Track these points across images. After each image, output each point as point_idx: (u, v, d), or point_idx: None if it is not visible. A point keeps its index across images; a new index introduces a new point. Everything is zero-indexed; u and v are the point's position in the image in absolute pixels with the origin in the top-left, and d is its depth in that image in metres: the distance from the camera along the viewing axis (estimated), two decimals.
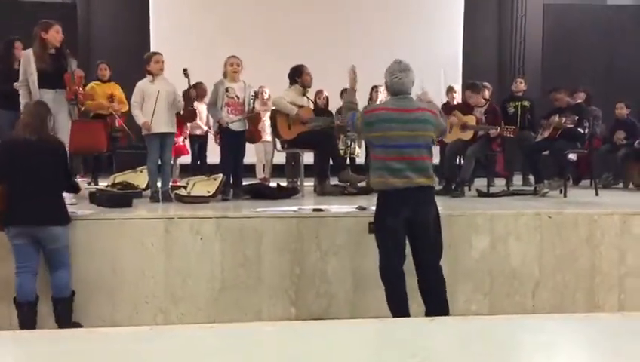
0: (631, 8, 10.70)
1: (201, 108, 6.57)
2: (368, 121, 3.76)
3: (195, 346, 2.09)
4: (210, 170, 6.28)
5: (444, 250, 3.81)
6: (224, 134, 5.62)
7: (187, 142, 7.37)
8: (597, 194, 6.28)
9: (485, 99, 6.50)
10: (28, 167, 3.92)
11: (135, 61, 5.99)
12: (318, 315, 4.37)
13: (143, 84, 5.30)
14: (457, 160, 6.49)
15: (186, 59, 6.65)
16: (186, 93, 5.34)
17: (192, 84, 5.48)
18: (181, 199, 5.26)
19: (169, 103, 5.28)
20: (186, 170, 7.34)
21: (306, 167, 6.26)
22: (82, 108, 5.66)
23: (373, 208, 3.90)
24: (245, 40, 8.88)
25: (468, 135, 6.13)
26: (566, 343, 2.21)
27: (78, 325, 4.09)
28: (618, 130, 7.62)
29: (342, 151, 7.16)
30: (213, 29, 9.87)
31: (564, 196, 5.97)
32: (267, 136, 7.05)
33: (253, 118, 5.69)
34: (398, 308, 3.65)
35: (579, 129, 6.06)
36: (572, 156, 6.55)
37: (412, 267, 3.74)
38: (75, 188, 4.49)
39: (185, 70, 5.31)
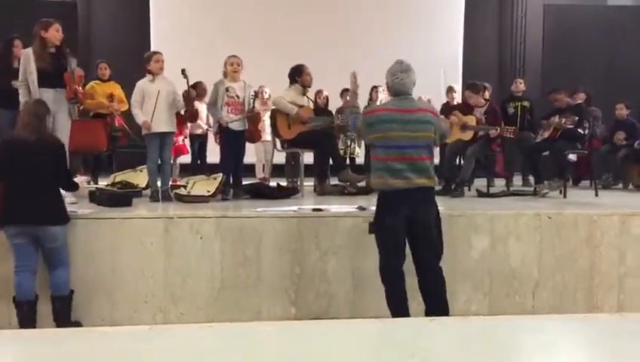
0: (631, 8, 10.70)
1: (201, 107, 6.57)
2: (369, 122, 3.76)
3: (194, 346, 2.09)
4: (210, 170, 6.29)
5: (443, 250, 3.81)
6: (224, 134, 5.62)
7: (187, 141, 7.36)
8: (597, 194, 6.28)
9: (485, 99, 6.50)
10: (27, 166, 3.92)
11: (135, 60, 5.99)
12: (317, 315, 4.37)
13: (143, 84, 5.30)
14: (457, 160, 6.49)
15: (186, 59, 6.65)
16: (185, 94, 5.34)
17: (191, 83, 5.48)
18: (181, 198, 5.27)
19: (169, 103, 5.28)
20: (186, 170, 7.34)
21: (306, 166, 6.26)
22: (82, 107, 5.66)
23: (373, 208, 3.90)
24: (245, 40, 8.88)
25: (468, 135, 6.13)
26: (565, 343, 2.22)
27: (78, 324, 4.10)
28: (618, 131, 7.62)
29: (342, 151, 7.16)
30: (213, 29, 9.87)
31: (564, 196, 5.98)
32: (267, 135, 7.05)
33: (253, 118, 5.69)
34: (398, 308, 3.65)
35: (579, 129, 6.06)
36: (572, 157, 6.56)
37: (412, 267, 3.74)
38: (73, 187, 4.49)
39: (183, 70, 5.30)
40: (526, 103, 7.17)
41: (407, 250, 3.74)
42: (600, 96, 8.11)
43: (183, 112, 5.65)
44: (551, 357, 2.05)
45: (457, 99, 7.77)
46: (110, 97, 6.50)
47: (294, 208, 4.74)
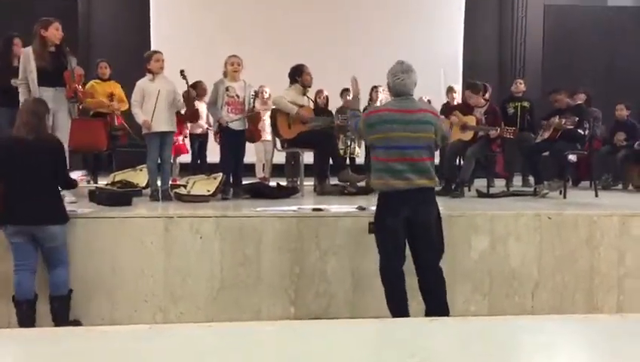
0: (631, 9, 10.71)
1: (201, 107, 6.57)
2: (370, 122, 3.76)
3: (194, 345, 2.09)
4: (210, 169, 6.28)
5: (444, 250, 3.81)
6: (224, 133, 5.62)
7: (187, 140, 7.36)
8: (596, 195, 6.28)
9: (485, 99, 6.49)
10: (26, 165, 3.91)
11: (135, 59, 5.98)
12: (317, 315, 4.37)
13: (143, 83, 5.30)
14: (457, 160, 6.49)
15: (186, 59, 6.66)
16: (185, 95, 5.33)
17: (190, 83, 5.48)
18: (181, 198, 5.26)
19: (169, 102, 5.28)
20: (186, 169, 7.34)
21: (306, 166, 6.26)
22: (82, 106, 5.66)
23: (373, 208, 3.90)
24: (245, 39, 8.88)
25: (468, 135, 6.13)
26: (565, 344, 2.21)
27: (77, 323, 4.10)
28: (618, 132, 7.62)
29: (342, 151, 7.16)
30: (213, 28, 9.87)
31: (564, 197, 5.98)
32: (267, 135, 7.05)
33: (253, 117, 5.69)
34: (398, 308, 3.65)
35: (579, 130, 6.06)
36: (572, 157, 6.55)
37: (412, 267, 3.74)
38: (72, 185, 4.48)
39: (182, 71, 5.30)
40: (526, 104, 7.18)
41: (408, 251, 3.74)
42: (600, 97, 8.12)
43: (183, 112, 5.65)
44: (551, 357, 2.05)
45: (457, 99, 7.77)
46: (110, 96, 6.50)
47: (294, 208, 4.74)
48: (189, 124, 7.01)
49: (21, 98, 4.80)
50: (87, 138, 5.78)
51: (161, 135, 5.28)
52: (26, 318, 3.93)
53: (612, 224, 4.64)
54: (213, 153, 6.85)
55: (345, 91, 7.50)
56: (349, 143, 7.59)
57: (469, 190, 6.46)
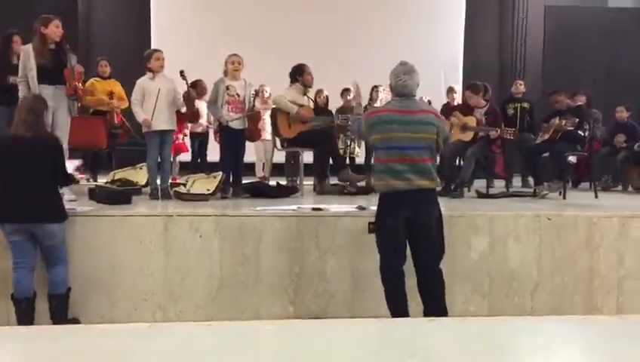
0: (632, 10, 10.71)
1: (201, 105, 6.57)
2: (371, 123, 3.76)
3: (193, 344, 2.09)
4: (210, 168, 6.28)
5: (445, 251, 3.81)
6: (224, 132, 5.61)
7: (187, 139, 7.36)
8: (596, 196, 6.28)
9: (485, 100, 6.49)
10: (24, 164, 3.90)
11: (135, 58, 5.98)
12: (316, 314, 4.36)
13: (143, 82, 5.29)
14: (457, 161, 6.49)
15: (186, 58, 6.68)
16: (186, 95, 5.33)
17: (190, 83, 5.47)
18: (180, 197, 5.26)
19: (169, 101, 5.28)
20: (186, 168, 7.34)
21: (306, 166, 6.26)
22: (82, 104, 5.65)
23: (373, 208, 3.90)
24: (245, 39, 8.87)
25: (468, 136, 6.13)
26: (564, 345, 2.21)
27: (76, 321, 4.09)
28: (618, 134, 7.62)
29: (341, 151, 7.16)
30: (213, 28, 9.86)
31: (564, 198, 5.98)
32: (267, 134, 7.04)
33: (254, 117, 5.69)
34: (398, 308, 3.65)
35: (579, 131, 6.06)
36: (572, 158, 6.55)
37: (412, 267, 3.74)
38: (70, 181, 4.47)
39: (182, 72, 5.30)
40: (526, 105, 7.18)
41: (408, 251, 3.74)
42: (600, 98, 8.12)
43: (183, 111, 5.65)
44: (550, 358, 2.05)
45: (458, 99, 7.76)
46: (110, 95, 6.50)
47: (294, 207, 4.74)
48: (189, 123, 7.01)
49: (21, 96, 4.78)
50: (87, 136, 5.78)
51: (161, 133, 5.28)
52: (25, 316, 3.92)
53: (612, 225, 4.64)
54: (213, 152, 6.85)
55: (345, 91, 7.50)
56: (348, 143, 7.58)
57: (469, 190, 6.46)
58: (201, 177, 5.59)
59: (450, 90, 7.98)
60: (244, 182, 5.85)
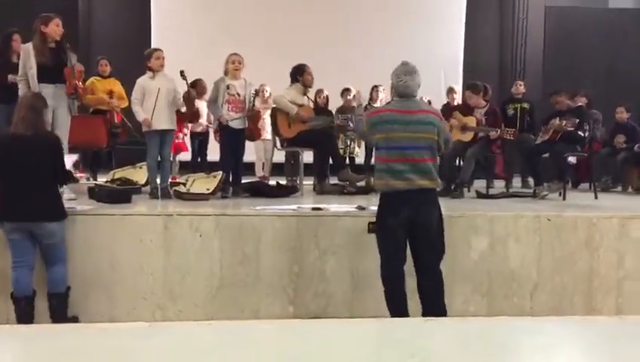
0: (632, 11, 10.71)
1: (201, 105, 6.57)
2: (372, 123, 3.76)
3: (193, 343, 2.09)
4: (210, 168, 6.28)
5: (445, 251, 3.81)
6: (224, 132, 5.62)
7: (187, 139, 7.36)
8: (596, 197, 6.28)
9: (485, 100, 6.49)
10: (24, 162, 3.89)
11: (135, 57, 5.98)
12: (316, 314, 4.36)
13: (143, 81, 5.29)
14: (457, 161, 6.49)
15: (187, 59, 6.67)
16: (186, 95, 5.33)
17: (190, 83, 5.48)
18: (180, 196, 5.26)
19: (169, 100, 5.28)
20: (186, 167, 7.34)
21: (306, 165, 6.26)
22: (81, 103, 5.64)
23: (373, 208, 3.90)
24: (245, 39, 8.86)
25: (468, 136, 6.13)
26: (564, 345, 2.21)
27: (75, 319, 4.09)
28: (618, 134, 7.62)
29: (341, 151, 7.16)
30: (213, 29, 9.85)
31: (564, 199, 5.98)
32: (267, 134, 7.04)
33: (253, 116, 5.69)
34: (398, 308, 3.65)
35: (579, 132, 6.06)
36: (572, 159, 6.55)
37: (411, 267, 3.74)
38: (70, 179, 4.46)
39: (182, 72, 5.30)
40: (526, 105, 7.19)
41: (408, 252, 3.74)
42: (601, 99, 8.12)
43: (183, 110, 5.65)
44: (549, 358, 2.05)
45: (458, 100, 7.77)
46: (110, 94, 6.50)
47: (294, 207, 4.74)
48: (189, 123, 7.01)
49: (21, 95, 4.78)
50: (87, 135, 5.78)
51: (161, 133, 5.28)
52: (25, 315, 3.92)
53: (611, 226, 4.64)
54: (213, 151, 6.85)
55: (345, 91, 7.50)
56: (348, 143, 7.58)
57: (469, 191, 6.46)
58: (201, 177, 5.59)
59: (450, 91, 7.98)
60: (243, 181, 5.85)
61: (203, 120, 7.17)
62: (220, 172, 5.49)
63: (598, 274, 4.62)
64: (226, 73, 5.58)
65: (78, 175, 6.53)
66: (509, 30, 11.02)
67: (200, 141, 7.40)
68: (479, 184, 6.74)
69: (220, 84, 5.54)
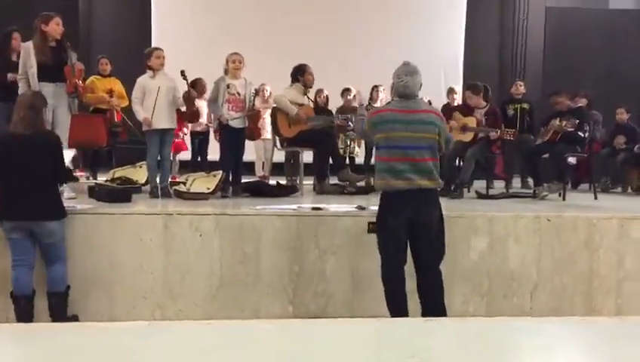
0: (633, 12, 10.70)
1: (201, 104, 6.57)
2: (373, 122, 3.77)
3: (192, 342, 2.08)
4: (210, 167, 6.28)
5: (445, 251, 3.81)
6: (224, 131, 5.61)
7: (187, 138, 7.36)
8: (596, 198, 6.28)
9: (486, 100, 6.49)
10: (23, 161, 3.89)
11: (136, 56, 5.98)
12: (315, 314, 4.36)
13: (143, 80, 5.29)
14: (457, 161, 6.49)
15: (187, 58, 6.66)
16: (186, 95, 5.33)
17: (190, 82, 5.48)
18: (180, 195, 5.26)
19: (169, 99, 5.27)
20: (186, 167, 7.34)
21: (306, 165, 6.26)
22: (81, 102, 5.65)
23: (372, 208, 3.90)
24: (245, 39, 8.85)
25: (468, 136, 6.13)
26: (563, 346, 2.21)
27: (75, 318, 4.09)
28: (618, 135, 7.62)
29: (341, 151, 7.16)
30: (213, 29, 9.85)
31: (563, 199, 5.98)
32: (267, 133, 7.04)
33: (254, 116, 5.69)
34: (398, 308, 3.65)
35: (579, 133, 6.06)
36: (572, 160, 6.55)
37: (411, 267, 3.74)
38: (70, 178, 4.45)
39: (182, 72, 5.30)
40: (525, 105, 7.19)
41: (409, 251, 3.74)
42: (601, 99, 8.12)
43: (183, 110, 5.65)
44: (549, 359, 2.04)
45: (458, 100, 7.77)
46: (110, 93, 6.50)
47: (294, 207, 4.73)
48: (188, 123, 7.00)
49: (20, 93, 4.78)
50: (87, 134, 5.77)
51: (161, 132, 5.28)
52: (24, 314, 3.92)
53: (611, 227, 4.65)
54: (213, 151, 6.85)
55: (345, 91, 7.50)
56: (348, 143, 7.59)
57: (469, 191, 6.46)
58: (201, 176, 5.59)
59: (451, 91, 7.98)
60: (243, 181, 5.85)
61: (203, 119, 7.17)
62: (220, 171, 5.48)
63: (598, 275, 4.62)
64: (226, 72, 5.58)
65: (78, 174, 6.54)
66: (509, 31, 11.01)
67: (200, 140, 7.40)
68: (479, 184, 6.74)
69: (221, 83, 5.54)
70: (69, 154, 4.85)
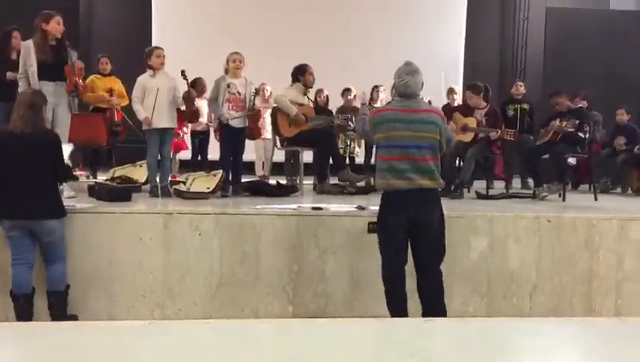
0: (634, 13, 10.69)
1: (202, 104, 6.57)
2: (375, 122, 3.77)
3: (191, 341, 2.08)
4: (210, 167, 6.28)
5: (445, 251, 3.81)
6: (224, 131, 5.61)
7: (187, 137, 7.36)
8: (596, 198, 6.28)
9: (486, 101, 6.49)
10: (23, 160, 3.88)
11: (136, 55, 5.97)
12: (315, 314, 4.36)
13: (143, 79, 5.29)
14: (457, 162, 6.49)
15: (187, 58, 6.66)
16: (186, 95, 5.33)
17: (190, 81, 5.47)
18: (180, 194, 5.26)
19: (169, 98, 5.27)
20: (186, 166, 7.34)
21: (306, 165, 6.26)
22: (81, 100, 5.65)
23: (372, 208, 3.90)
24: (245, 39, 8.85)
25: (468, 137, 6.13)
26: (563, 347, 2.21)
27: (74, 317, 4.09)
28: (618, 136, 7.63)
29: (341, 151, 7.16)
30: (213, 29, 9.85)
31: (563, 200, 5.98)
32: (267, 133, 7.04)
33: (254, 115, 5.68)
34: (398, 309, 3.64)
35: (579, 133, 6.06)
36: (572, 160, 6.55)
37: (411, 268, 3.74)
38: (69, 177, 4.44)
39: (183, 72, 5.30)
40: (525, 106, 7.19)
41: (409, 251, 3.74)
42: (601, 100, 8.12)
43: (183, 109, 5.65)
44: (549, 359, 2.04)
45: (458, 100, 7.77)
46: (110, 92, 6.50)
47: (294, 206, 4.73)
48: (188, 123, 7.00)
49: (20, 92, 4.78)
50: (87, 133, 5.77)
51: (161, 131, 5.28)
52: (24, 312, 3.92)
53: (611, 227, 4.65)
54: (213, 150, 6.85)
55: (346, 91, 7.50)
56: (348, 143, 7.59)
57: (469, 191, 6.46)
58: (201, 175, 5.59)
59: (451, 91, 7.98)
60: (243, 180, 5.85)
61: (203, 119, 7.17)
62: (220, 171, 5.48)
63: (598, 276, 4.62)
64: (226, 72, 5.58)
65: (77, 173, 6.55)
66: (509, 31, 11.02)
67: (200, 140, 7.40)
68: (479, 185, 6.74)
69: (221, 82, 5.54)
70: (67, 149, 4.84)
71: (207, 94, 6.16)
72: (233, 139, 5.57)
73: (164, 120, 5.25)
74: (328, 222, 4.45)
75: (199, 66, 6.82)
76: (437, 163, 3.73)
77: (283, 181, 6.71)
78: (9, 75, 5.20)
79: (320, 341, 2.13)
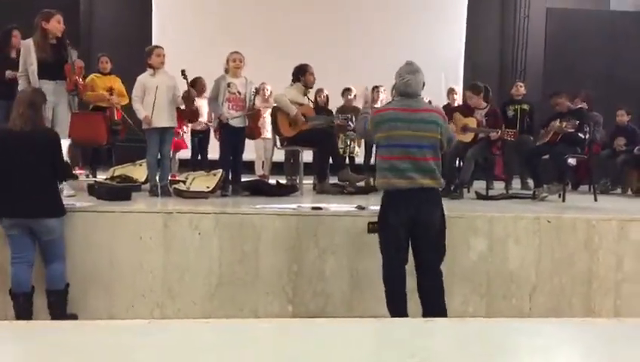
0: (634, 14, 10.69)
1: (202, 103, 6.57)
2: (376, 121, 3.76)
3: (191, 341, 2.08)
4: (210, 166, 6.28)
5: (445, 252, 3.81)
6: (224, 130, 5.61)
7: (187, 136, 7.35)
8: (595, 199, 6.28)
9: (486, 101, 6.49)
10: (22, 159, 3.88)
11: (136, 54, 5.97)
12: (314, 314, 4.36)
13: (143, 78, 5.29)
14: (457, 162, 6.48)
15: (187, 58, 6.65)
16: (186, 94, 5.33)
17: (190, 81, 5.48)
18: (180, 194, 5.25)
19: (169, 98, 5.27)
20: (186, 165, 7.33)
21: (305, 165, 6.26)
22: (81, 99, 5.64)
23: (372, 208, 3.90)
24: (245, 39, 8.84)
25: (468, 137, 6.13)
26: (562, 347, 2.21)
27: (73, 317, 4.09)
28: (618, 137, 7.63)
29: (341, 151, 7.16)
30: (213, 29, 9.84)
31: (563, 201, 5.98)
32: (267, 133, 7.04)
33: (254, 115, 5.68)
34: (398, 308, 3.64)
35: (579, 134, 6.06)
36: (571, 161, 6.55)
37: (411, 267, 3.74)
38: (69, 175, 4.44)
39: (183, 71, 5.31)
40: (526, 106, 7.19)
41: (410, 251, 3.74)
42: (602, 101, 8.12)
43: (183, 108, 5.64)
44: (548, 360, 2.04)
45: (458, 100, 7.76)
46: (110, 91, 6.50)
47: (293, 206, 4.73)
48: (188, 123, 7.00)
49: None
50: (87, 132, 5.78)
51: (161, 130, 5.27)
52: (23, 311, 3.92)
53: (611, 228, 4.65)
54: (213, 150, 6.85)
55: (346, 91, 7.50)
56: (348, 143, 7.58)
57: (469, 192, 6.46)
58: (201, 175, 5.59)
59: (451, 92, 7.97)
60: (243, 180, 5.85)
61: (203, 118, 7.16)
62: (220, 170, 5.48)
63: (597, 276, 4.62)
64: (226, 71, 5.58)
65: (77, 172, 6.54)
66: (510, 31, 11.01)
67: (200, 139, 7.40)
68: (479, 185, 6.74)
69: (221, 81, 5.54)
70: (65, 144, 4.84)
71: (207, 94, 6.16)
72: (233, 138, 5.57)
73: (164, 119, 5.25)
74: (328, 221, 4.44)
75: (199, 66, 6.82)
76: (438, 162, 3.73)
77: (283, 181, 6.71)
78: (8, 73, 5.19)
79: (320, 341, 2.13)
